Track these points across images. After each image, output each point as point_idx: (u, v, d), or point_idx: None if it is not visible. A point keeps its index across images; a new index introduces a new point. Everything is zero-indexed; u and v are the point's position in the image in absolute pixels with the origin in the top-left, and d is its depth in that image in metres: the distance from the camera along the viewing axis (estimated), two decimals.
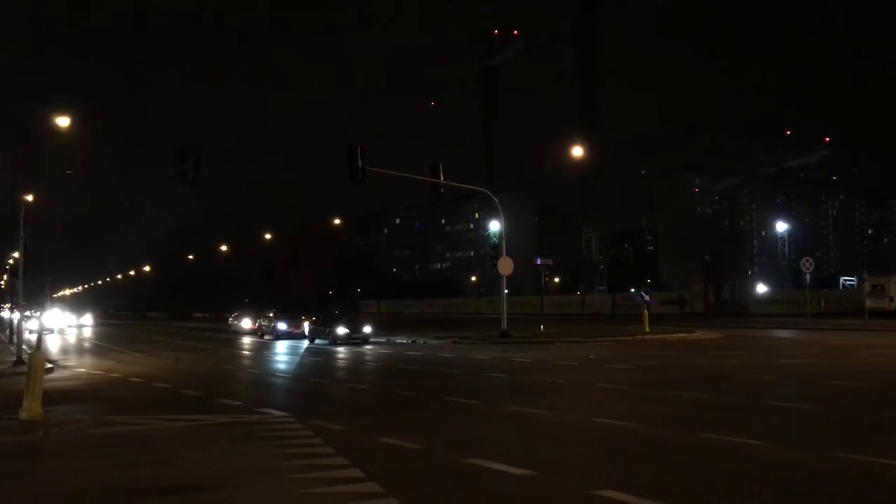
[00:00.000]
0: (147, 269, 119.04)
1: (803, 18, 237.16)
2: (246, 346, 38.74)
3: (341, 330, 35.84)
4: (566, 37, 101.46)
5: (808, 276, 44.29)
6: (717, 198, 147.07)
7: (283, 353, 32.58)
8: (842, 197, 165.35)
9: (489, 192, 43.44)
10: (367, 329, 36.80)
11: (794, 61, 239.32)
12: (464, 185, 51.18)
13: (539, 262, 54.77)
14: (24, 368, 14.96)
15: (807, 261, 44.99)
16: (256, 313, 53.43)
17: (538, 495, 7.67)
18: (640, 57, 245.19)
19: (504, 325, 35.93)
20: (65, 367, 25.90)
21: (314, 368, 25.27)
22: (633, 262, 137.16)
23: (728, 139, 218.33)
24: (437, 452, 9.80)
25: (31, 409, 12.33)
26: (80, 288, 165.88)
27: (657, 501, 7.13)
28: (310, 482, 8.19)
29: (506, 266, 36.33)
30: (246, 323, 52.79)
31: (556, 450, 9.99)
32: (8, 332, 42.59)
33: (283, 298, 70.11)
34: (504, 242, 38.13)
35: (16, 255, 29.83)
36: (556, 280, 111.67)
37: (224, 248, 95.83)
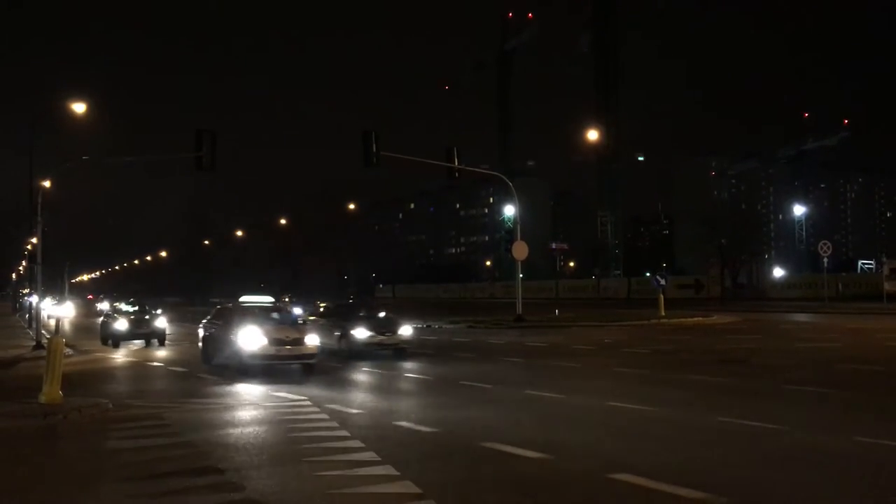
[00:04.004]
0: (164, 254, 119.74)
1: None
2: None
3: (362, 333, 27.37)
4: (584, 19, 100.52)
5: (825, 260, 43.98)
6: (734, 181, 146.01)
7: None
8: (860, 180, 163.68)
9: (504, 177, 43.34)
10: (382, 314, 24.77)
11: (812, 42, 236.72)
12: (479, 170, 51.16)
13: (554, 246, 54.97)
14: (44, 353, 15.09)
15: (824, 244, 44.63)
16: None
17: (554, 478, 7.67)
18: (658, 41, 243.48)
19: (519, 309, 35.93)
20: (84, 352, 26.11)
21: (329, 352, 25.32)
22: (649, 246, 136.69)
23: (746, 122, 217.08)
24: (453, 436, 9.82)
25: (50, 392, 12.46)
26: (97, 273, 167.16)
27: (673, 484, 7.12)
28: (326, 465, 8.25)
29: (521, 250, 36.28)
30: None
31: (572, 433, 9.99)
32: (27, 316, 42.72)
33: (299, 283, 70.49)
34: (519, 227, 38.08)
35: (34, 240, 30.03)
36: (572, 264, 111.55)
37: (240, 232, 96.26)
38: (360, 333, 21.25)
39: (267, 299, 21.51)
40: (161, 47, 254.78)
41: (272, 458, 8.82)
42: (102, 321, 31.02)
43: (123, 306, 32.18)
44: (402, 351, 21.34)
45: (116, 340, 27.95)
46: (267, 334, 17.44)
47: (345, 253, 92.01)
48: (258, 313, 19.44)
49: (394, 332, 21.69)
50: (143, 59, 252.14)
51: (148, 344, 28.09)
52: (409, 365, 19.22)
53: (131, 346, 28.01)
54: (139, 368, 20.92)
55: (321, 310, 27.42)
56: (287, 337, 17.61)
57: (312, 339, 17.98)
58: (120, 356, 24.43)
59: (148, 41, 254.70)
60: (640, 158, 73.93)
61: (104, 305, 57.51)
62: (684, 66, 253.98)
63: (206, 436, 10.38)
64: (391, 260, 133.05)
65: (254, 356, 17.21)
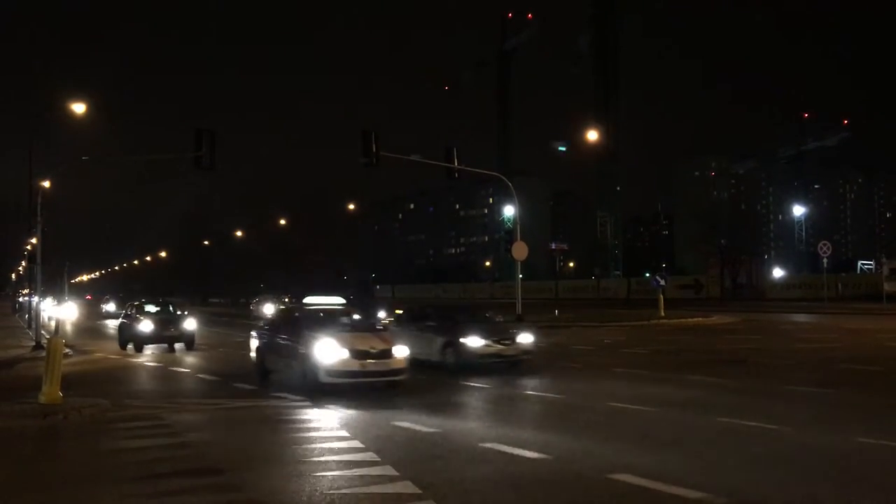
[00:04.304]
0: (163, 254, 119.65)
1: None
2: None
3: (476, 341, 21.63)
4: (584, 19, 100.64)
5: (825, 260, 44.01)
6: (733, 181, 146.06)
7: None
8: (860, 180, 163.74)
9: (503, 177, 43.32)
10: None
11: (812, 42, 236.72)
12: (478, 170, 51.17)
13: (554, 246, 54.83)
14: (43, 353, 15.08)
15: (824, 244, 44.65)
16: (278, 298, 53.07)
17: (554, 479, 7.66)
18: (657, 41, 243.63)
19: (519, 309, 35.82)
20: (83, 352, 26.07)
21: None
22: (649, 246, 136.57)
23: (746, 122, 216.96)
24: (452, 436, 9.81)
25: (49, 392, 12.43)
26: (97, 273, 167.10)
27: (673, 485, 7.12)
28: (326, 465, 8.25)
29: (520, 251, 36.19)
30: (268, 308, 52.50)
31: (572, 434, 9.98)
32: (27, 316, 42.64)
33: (298, 284, 70.38)
34: (518, 227, 38.03)
35: (33, 240, 29.98)
36: (571, 265, 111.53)
37: (240, 233, 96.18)
38: (474, 342, 17.08)
39: (338, 301, 17.62)
40: (161, 47, 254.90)
41: (272, 459, 8.81)
42: (122, 323, 28.13)
43: (146, 306, 28.84)
44: (520, 363, 17.42)
45: (140, 343, 25.47)
46: (347, 345, 13.93)
47: (344, 253, 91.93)
48: (330, 318, 16.03)
49: (513, 339, 17.66)
50: (143, 58, 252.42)
51: (172, 348, 25.66)
52: (534, 381, 15.73)
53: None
54: (138, 369, 20.82)
55: (404, 313, 21.77)
56: (372, 348, 14.10)
57: (401, 351, 14.40)
58: (118, 356, 24.25)
59: (149, 41, 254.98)
60: (562, 149, 71.92)
61: (110, 306, 55.68)
62: (684, 66, 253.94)
63: (206, 436, 10.38)
64: (391, 260, 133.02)
65: (332, 372, 13.71)
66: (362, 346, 14.02)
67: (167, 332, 25.59)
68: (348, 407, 12.21)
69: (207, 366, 20.29)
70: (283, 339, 15.82)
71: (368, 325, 16.43)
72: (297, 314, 16.78)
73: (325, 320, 15.73)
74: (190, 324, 26.20)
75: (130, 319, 27.06)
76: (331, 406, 12.34)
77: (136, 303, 30.32)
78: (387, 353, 14.14)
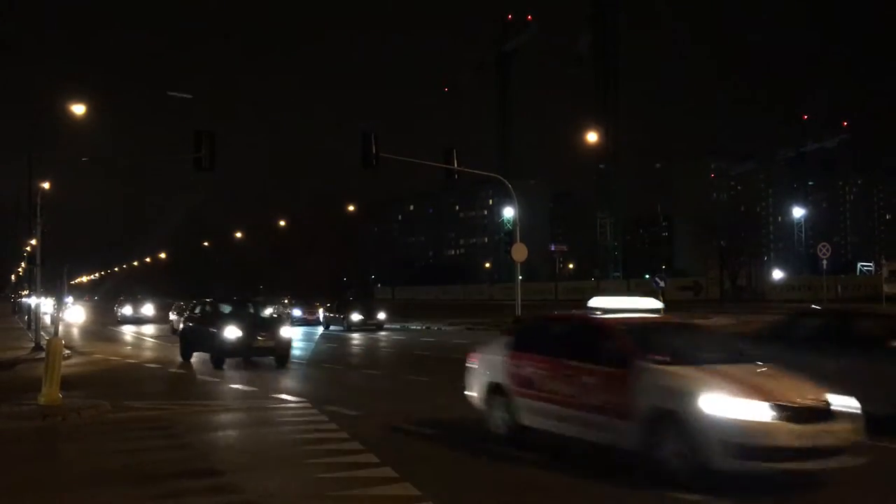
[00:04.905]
0: (163, 255, 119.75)
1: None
2: None
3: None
4: (583, 19, 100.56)
5: (824, 262, 43.94)
6: (733, 183, 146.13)
7: (298, 340, 32.59)
8: (860, 181, 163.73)
9: (503, 178, 43.33)
10: (382, 315, 36.37)
11: (811, 43, 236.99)
12: (478, 172, 51.10)
13: (553, 247, 54.71)
14: (43, 354, 15.08)
15: (823, 246, 44.56)
16: (278, 301, 52.73)
17: (555, 481, 7.68)
18: (658, 42, 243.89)
19: (518, 311, 35.88)
20: (83, 353, 26.07)
21: (329, 354, 25.34)
22: (649, 247, 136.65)
23: (746, 123, 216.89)
24: (452, 437, 9.82)
25: (49, 394, 12.44)
26: (97, 275, 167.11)
27: (674, 487, 7.13)
28: (325, 467, 8.25)
29: (520, 252, 36.16)
30: (268, 310, 52.02)
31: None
32: (27, 318, 42.60)
33: (298, 285, 70.50)
34: (518, 228, 38.01)
35: (33, 241, 29.99)
36: (571, 266, 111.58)
37: (239, 234, 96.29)
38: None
39: (649, 303, 10.04)
40: (161, 47, 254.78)
41: (273, 460, 8.81)
42: (186, 328, 22.90)
43: (221, 305, 22.77)
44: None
45: (221, 356, 19.49)
46: (759, 394, 7.29)
47: (344, 254, 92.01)
48: (679, 337, 9.25)
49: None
50: (143, 59, 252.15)
51: (249, 362, 20.05)
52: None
53: (130, 348, 26.59)
54: (138, 370, 20.66)
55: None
56: (808, 400, 7.46)
57: (847, 403, 7.61)
58: (118, 358, 23.93)
59: (149, 41, 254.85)
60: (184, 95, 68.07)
61: (126, 309, 52.86)
62: (684, 66, 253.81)
63: (206, 438, 10.38)
64: (390, 261, 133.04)
65: (744, 450, 7.02)
66: (790, 397, 7.38)
67: (259, 343, 19.54)
68: (347, 408, 12.14)
69: (205, 368, 18.09)
70: (578, 375, 8.53)
71: (744, 353, 8.73)
72: (604, 328, 8.91)
73: (672, 342, 8.76)
74: (286, 331, 20.29)
75: (202, 323, 21.33)
76: (329, 407, 12.26)
77: (206, 301, 24.60)
78: (827, 411, 7.47)
